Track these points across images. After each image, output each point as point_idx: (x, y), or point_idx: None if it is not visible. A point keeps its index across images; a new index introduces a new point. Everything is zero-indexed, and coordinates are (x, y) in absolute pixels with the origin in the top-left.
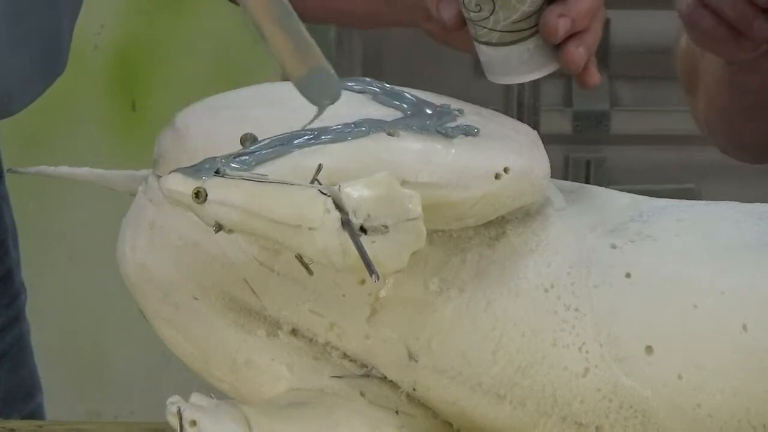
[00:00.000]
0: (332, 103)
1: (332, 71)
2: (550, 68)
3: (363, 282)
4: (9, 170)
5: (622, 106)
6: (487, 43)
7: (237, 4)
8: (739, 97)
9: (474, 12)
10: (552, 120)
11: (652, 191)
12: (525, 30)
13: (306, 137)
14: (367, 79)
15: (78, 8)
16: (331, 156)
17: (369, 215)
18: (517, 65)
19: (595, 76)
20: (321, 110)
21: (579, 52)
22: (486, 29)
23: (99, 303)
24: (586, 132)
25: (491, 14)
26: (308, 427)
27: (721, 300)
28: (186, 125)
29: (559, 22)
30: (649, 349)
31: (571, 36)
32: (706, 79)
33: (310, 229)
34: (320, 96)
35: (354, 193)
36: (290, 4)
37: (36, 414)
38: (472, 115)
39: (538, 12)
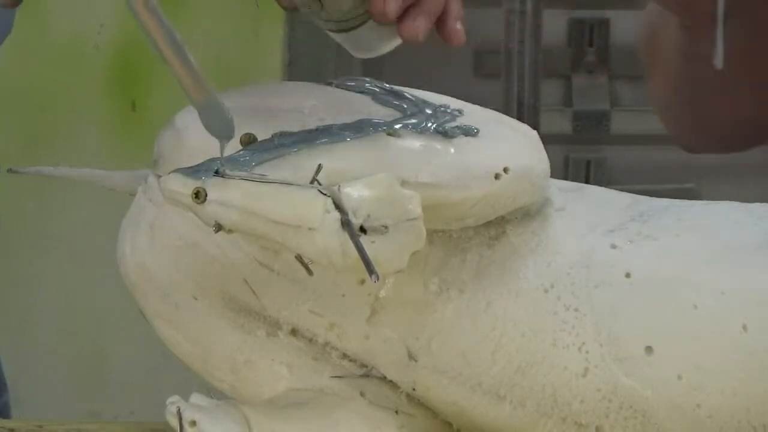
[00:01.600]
0: (227, 139)
1: (224, 107)
2: (398, 41)
3: (363, 282)
4: (9, 170)
5: (622, 106)
6: (329, 30)
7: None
8: (695, 69)
9: (306, 9)
10: (552, 120)
11: (652, 191)
12: (359, 16)
13: (306, 137)
14: (367, 79)
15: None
16: (330, 156)
17: (369, 215)
18: (366, 43)
19: (458, 35)
20: (221, 145)
21: (416, 25)
22: (322, 20)
23: (99, 303)
24: (586, 132)
25: (322, 10)
26: (308, 427)
27: (721, 300)
28: (186, 125)
29: (387, 5)
30: (649, 350)
31: (408, 8)
32: (665, 55)
33: (309, 229)
34: (217, 128)
35: (354, 193)
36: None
37: (2, 412)
38: (471, 115)
39: None
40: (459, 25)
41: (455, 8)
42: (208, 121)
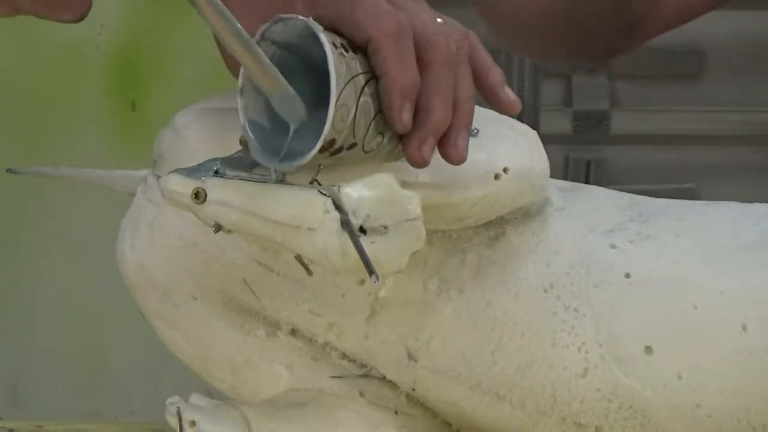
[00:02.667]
0: (297, 123)
1: (294, 94)
2: None
3: (362, 282)
4: (8, 170)
5: (622, 106)
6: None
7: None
8: None
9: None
10: (552, 120)
11: (652, 191)
12: (398, 155)
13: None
14: None
15: None
16: None
17: (369, 216)
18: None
19: (514, 104)
20: (291, 128)
21: (458, 146)
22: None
23: (99, 303)
24: (586, 132)
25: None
26: (308, 427)
27: (720, 300)
28: (185, 125)
29: (423, 153)
30: (648, 350)
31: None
32: None
33: (309, 229)
34: (288, 113)
35: (353, 193)
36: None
37: None
38: None
39: (398, 137)
40: (510, 93)
41: (498, 76)
42: (280, 107)
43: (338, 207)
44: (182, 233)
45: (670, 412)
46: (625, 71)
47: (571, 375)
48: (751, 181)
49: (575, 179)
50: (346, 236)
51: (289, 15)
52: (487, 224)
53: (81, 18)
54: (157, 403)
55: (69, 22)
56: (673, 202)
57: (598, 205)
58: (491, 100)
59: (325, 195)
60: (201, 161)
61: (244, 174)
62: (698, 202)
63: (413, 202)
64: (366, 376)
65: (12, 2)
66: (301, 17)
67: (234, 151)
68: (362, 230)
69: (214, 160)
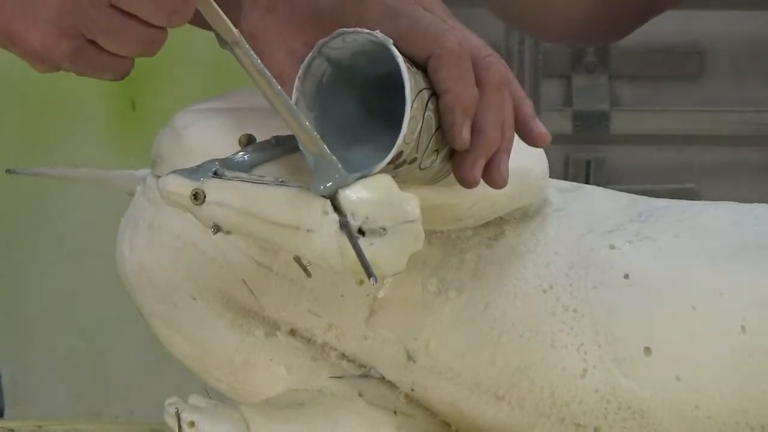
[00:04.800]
0: (338, 188)
1: (332, 158)
2: None
3: (361, 283)
4: (8, 170)
5: (622, 106)
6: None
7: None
8: None
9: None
10: (552, 120)
11: (652, 191)
12: (442, 176)
13: None
14: None
15: None
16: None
17: (367, 217)
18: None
19: (544, 137)
20: (329, 194)
21: (501, 170)
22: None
23: (99, 303)
24: (586, 132)
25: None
26: (307, 427)
27: (719, 301)
28: (185, 125)
29: (475, 173)
30: (647, 350)
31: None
32: None
33: (308, 231)
34: (328, 177)
35: (352, 195)
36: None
37: None
38: None
39: (448, 157)
40: (540, 126)
41: (530, 109)
42: (318, 170)
43: (337, 209)
44: (181, 233)
45: (669, 413)
46: (625, 71)
47: (569, 376)
48: (751, 181)
49: (575, 179)
50: (344, 238)
51: (353, 29)
52: (486, 225)
53: (123, 78)
54: (157, 403)
55: (111, 80)
56: (672, 202)
57: (598, 205)
58: (523, 131)
59: (323, 197)
60: (200, 162)
61: (243, 175)
62: (698, 203)
63: (412, 204)
64: (365, 376)
65: (54, 63)
66: (366, 30)
67: (233, 152)
68: (361, 232)
69: (213, 161)
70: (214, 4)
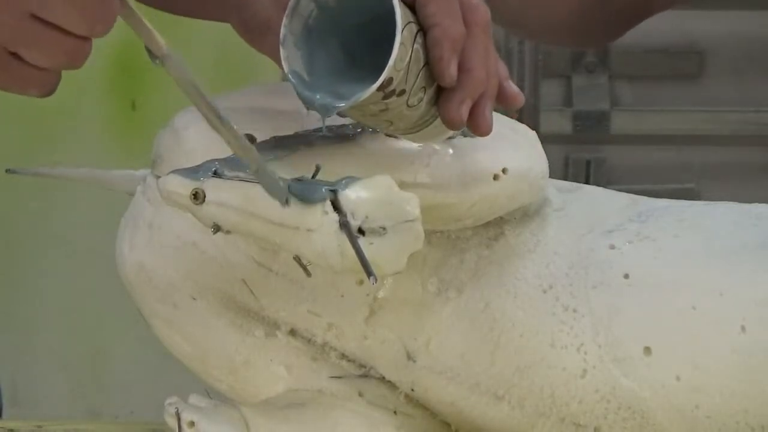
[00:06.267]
0: (283, 199)
1: (273, 173)
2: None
3: (361, 283)
4: (8, 170)
5: (622, 106)
6: (397, 137)
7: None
8: None
9: (375, 127)
10: (552, 120)
11: (652, 191)
12: (427, 120)
13: (305, 138)
14: None
15: None
16: (330, 157)
17: (367, 217)
18: (429, 137)
19: (518, 97)
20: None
21: (486, 115)
22: (391, 135)
23: (99, 303)
24: (586, 132)
25: (390, 126)
26: (306, 427)
27: (720, 301)
28: (185, 125)
29: (461, 112)
30: (647, 350)
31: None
32: None
33: (308, 230)
34: (271, 190)
35: (352, 194)
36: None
37: None
38: None
39: (434, 100)
40: (513, 86)
41: (504, 71)
42: (264, 184)
43: (337, 208)
44: (181, 233)
45: (669, 413)
46: (625, 71)
47: (569, 376)
48: (751, 181)
49: (575, 179)
50: (344, 237)
51: None
52: (486, 224)
53: (49, 94)
54: (157, 403)
55: (38, 97)
56: (672, 202)
57: (598, 205)
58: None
59: (323, 196)
60: (200, 161)
61: (243, 175)
62: (698, 203)
63: (412, 203)
64: (365, 376)
65: None
66: None
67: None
68: (361, 231)
69: (213, 160)
70: (141, 17)
